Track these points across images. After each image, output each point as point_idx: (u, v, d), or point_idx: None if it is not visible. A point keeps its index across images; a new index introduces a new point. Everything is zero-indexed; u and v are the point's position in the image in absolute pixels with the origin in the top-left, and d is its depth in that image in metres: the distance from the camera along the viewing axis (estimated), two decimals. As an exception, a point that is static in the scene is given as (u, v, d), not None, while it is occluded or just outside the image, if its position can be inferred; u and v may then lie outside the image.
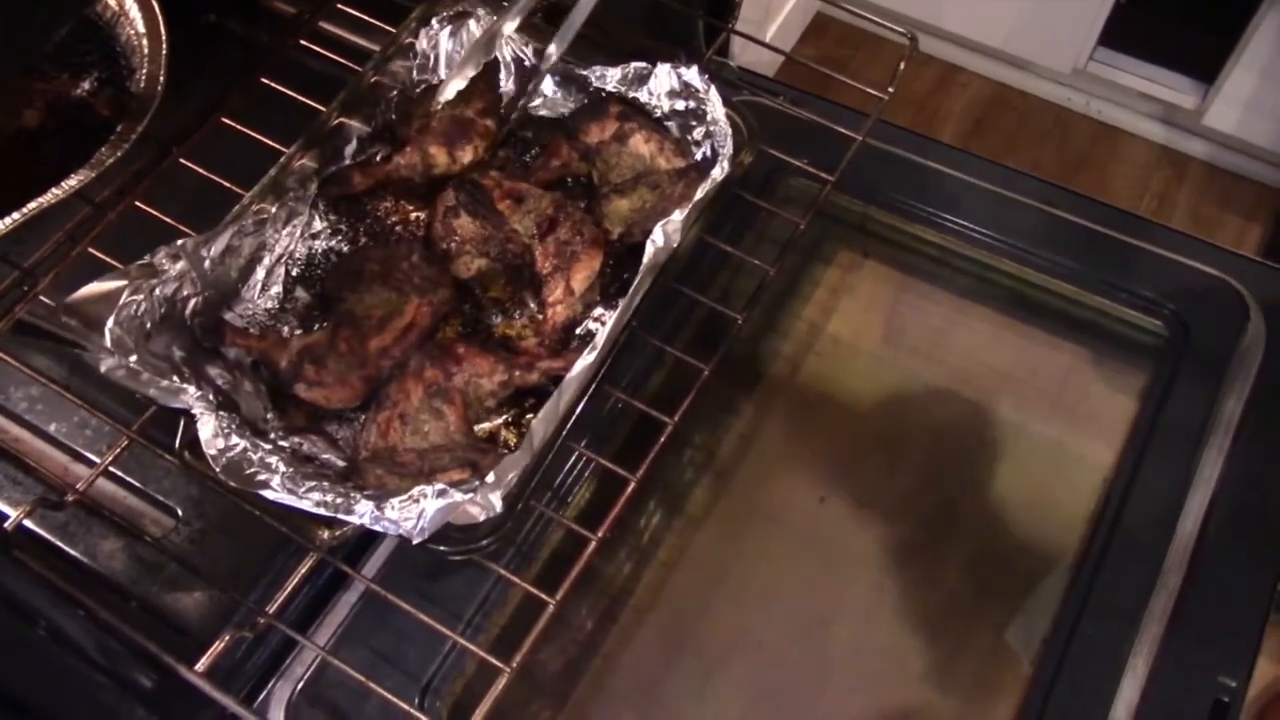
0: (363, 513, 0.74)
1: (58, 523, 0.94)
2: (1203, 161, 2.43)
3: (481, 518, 0.75)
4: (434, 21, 1.04)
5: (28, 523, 0.84)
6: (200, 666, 0.78)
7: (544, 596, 0.79)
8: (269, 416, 0.86)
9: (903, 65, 1.08)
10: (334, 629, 0.91)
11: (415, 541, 0.74)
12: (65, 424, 0.99)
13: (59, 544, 0.93)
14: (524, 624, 0.79)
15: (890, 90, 1.07)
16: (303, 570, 0.83)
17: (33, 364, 0.93)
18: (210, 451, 0.78)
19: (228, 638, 0.81)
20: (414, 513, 0.73)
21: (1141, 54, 2.35)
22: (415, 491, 0.74)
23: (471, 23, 1.05)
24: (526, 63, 1.05)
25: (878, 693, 0.97)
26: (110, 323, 0.81)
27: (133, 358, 0.80)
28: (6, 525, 0.80)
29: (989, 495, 1.06)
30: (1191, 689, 0.90)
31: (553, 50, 1.01)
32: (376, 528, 0.74)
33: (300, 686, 0.89)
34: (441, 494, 0.73)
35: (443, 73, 1.05)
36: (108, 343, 0.80)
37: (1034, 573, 1.01)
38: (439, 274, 0.92)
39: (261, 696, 0.89)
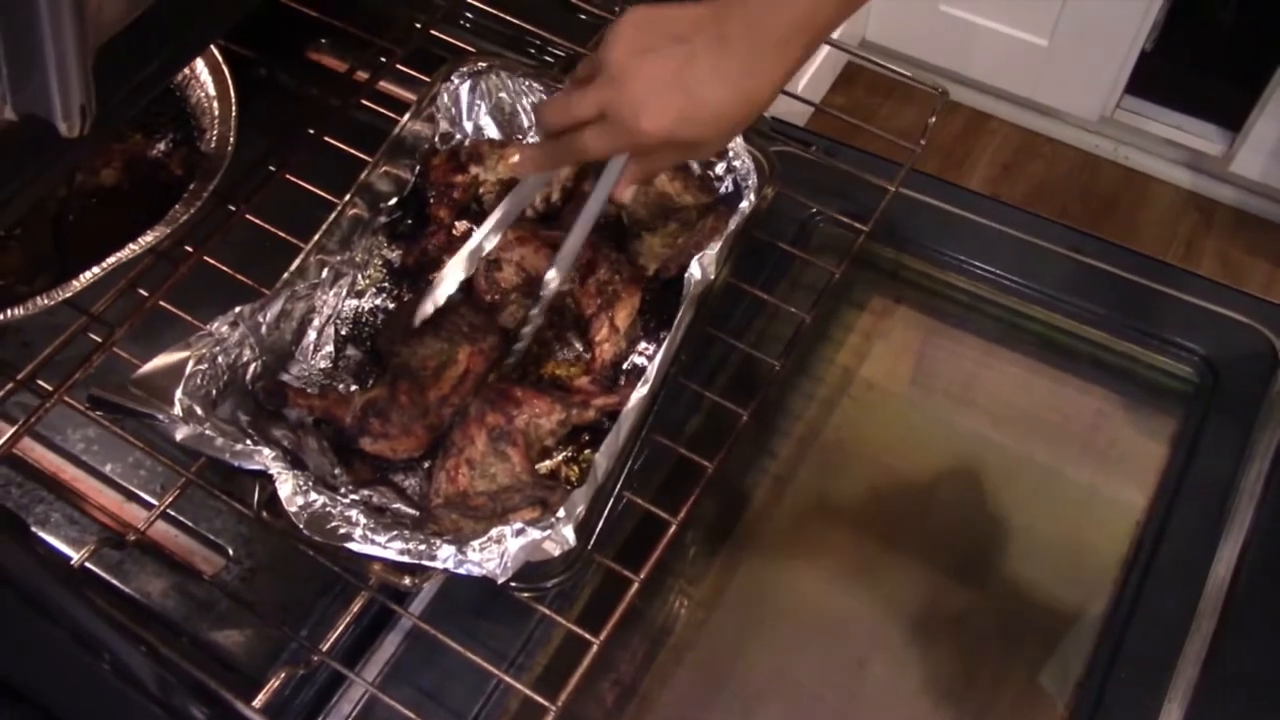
0: (445, 557, 0.76)
1: (113, 561, 0.96)
2: (1230, 207, 2.44)
3: (557, 553, 0.77)
4: (454, 77, 1.06)
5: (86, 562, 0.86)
6: (258, 703, 0.80)
7: (588, 636, 0.81)
8: (336, 472, 0.88)
9: (933, 119, 1.11)
10: (381, 666, 0.93)
11: (500, 582, 0.75)
12: (120, 464, 1.02)
13: (114, 582, 0.95)
14: (566, 663, 0.81)
15: (922, 143, 1.10)
16: (355, 608, 0.85)
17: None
18: (292, 509, 0.79)
19: (283, 674, 0.82)
20: (496, 553, 0.75)
21: (1168, 102, 2.37)
22: (495, 533, 0.75)
23: (491, 76, 1.07)
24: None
25: (913, 734, 0.98)
26: (179, 393, 0.83)
27: (205, 425, 0.83)
28: (73, 563, 0.83)
29: (1022, 538, 1.07)
30: (1227, 733, 0.91)
31: (552, 277, 0.92)
32: (460, 571, 0.75)
33: (348, 723, 0.91)
34: (520, 533, 0.75)
35: (465, 125, 1.08)
36: (178, 412, 0.83)
37: (1067, 615, 1.02)
38: (486, 321, 0.95)
39: (310, 733, 0.91)
